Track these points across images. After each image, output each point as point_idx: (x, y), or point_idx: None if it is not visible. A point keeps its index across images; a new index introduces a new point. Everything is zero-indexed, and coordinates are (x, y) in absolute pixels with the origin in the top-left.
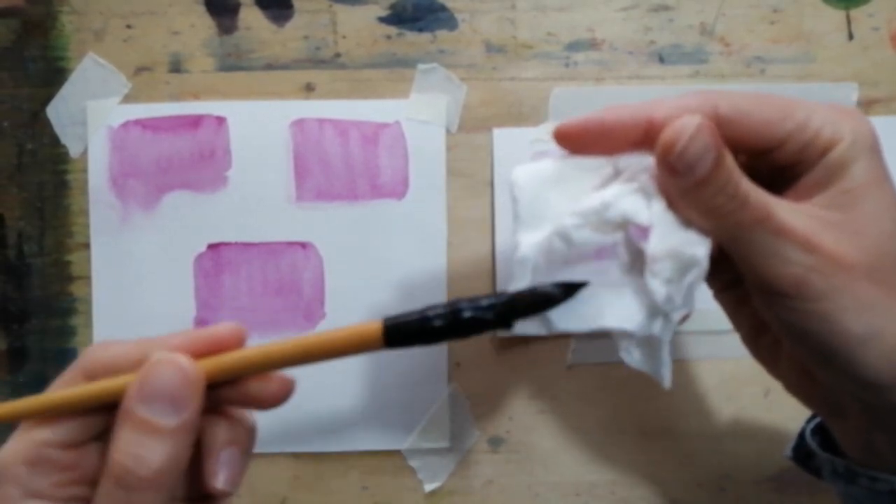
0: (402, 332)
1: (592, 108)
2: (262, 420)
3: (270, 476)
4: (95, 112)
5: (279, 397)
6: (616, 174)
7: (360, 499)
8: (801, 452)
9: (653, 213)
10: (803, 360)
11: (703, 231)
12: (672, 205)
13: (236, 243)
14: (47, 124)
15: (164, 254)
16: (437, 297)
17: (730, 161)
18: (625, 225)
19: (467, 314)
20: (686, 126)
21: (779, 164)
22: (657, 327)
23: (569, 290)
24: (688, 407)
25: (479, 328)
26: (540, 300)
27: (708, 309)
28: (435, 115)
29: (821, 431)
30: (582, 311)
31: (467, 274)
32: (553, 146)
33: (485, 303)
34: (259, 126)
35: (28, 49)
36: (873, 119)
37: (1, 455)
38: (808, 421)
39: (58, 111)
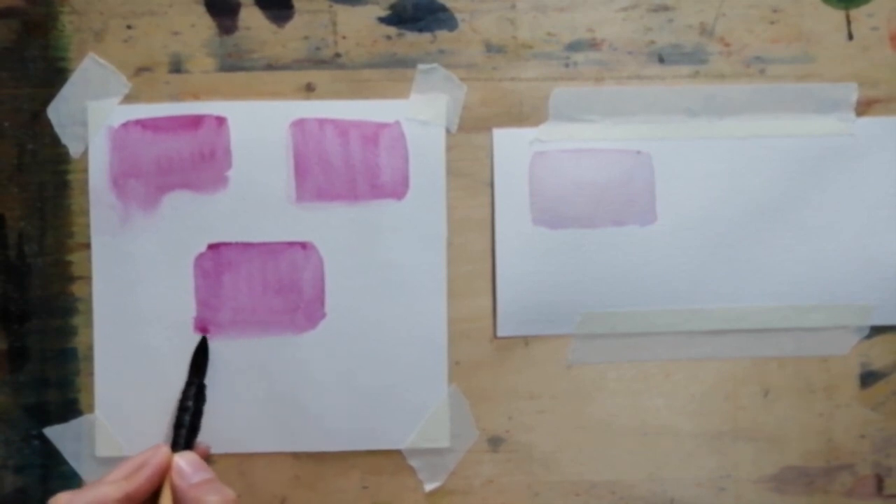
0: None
1: (592, 108)
2: (263, 420)
3: (270, 476)
4: (96, 112)
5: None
6: None
7: (360, 498)
8: None
9: None
10: None
11: None
12: None
13: (236, 243)
14: (48, 124)
15: (164, 254)
16: (436, 296)
17: None
18: None
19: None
20: None
21: None
22: None
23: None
24: (688, 407)
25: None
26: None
27: (708, 309)
28: (435, 115)
29: None
30: None
31: (467, 274)
32: (552, 146)
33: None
34: (259, 126)
35: (28, 49)
36: (873, 119)
37: (57, 500)
38: None
39: (58, 111)
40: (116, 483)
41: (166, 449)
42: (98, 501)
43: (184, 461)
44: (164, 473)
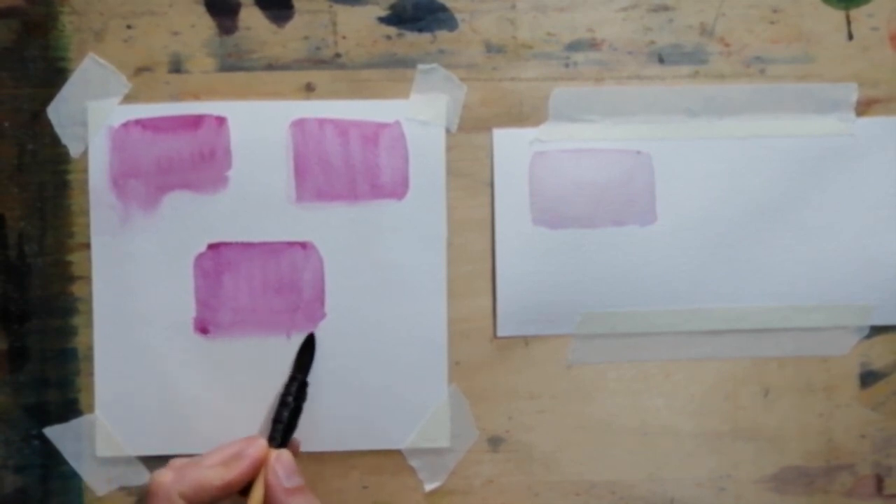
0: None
1: (592, 108)
2: (262, 421)
3: None
4: (96, 112)
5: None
6: None
7: (360, 499)
8: None
9: None
10: None
11: None
12: None
13: (236, 243)
14: (48, 124)
15: (164, 254)
16: (436, 297)
17: None
18: None
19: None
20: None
21: None
22: None
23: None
24: (688, 407)
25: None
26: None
27: (708, 309)
28: (435, 115)
29: None
30: None
31: (467, 274)
32: (552, 146)
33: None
34: (259, 126)
35: (28, 49)
36: (873, 119)
37: (161, 479)
38: None
39: (58, 111)
40: (216, 469)
41: (263, 442)
42: (200, 485)
43: (280, 464)
44: (260, 467)
